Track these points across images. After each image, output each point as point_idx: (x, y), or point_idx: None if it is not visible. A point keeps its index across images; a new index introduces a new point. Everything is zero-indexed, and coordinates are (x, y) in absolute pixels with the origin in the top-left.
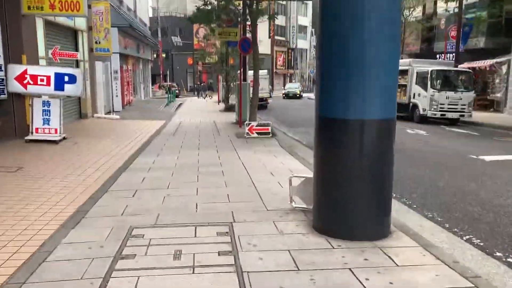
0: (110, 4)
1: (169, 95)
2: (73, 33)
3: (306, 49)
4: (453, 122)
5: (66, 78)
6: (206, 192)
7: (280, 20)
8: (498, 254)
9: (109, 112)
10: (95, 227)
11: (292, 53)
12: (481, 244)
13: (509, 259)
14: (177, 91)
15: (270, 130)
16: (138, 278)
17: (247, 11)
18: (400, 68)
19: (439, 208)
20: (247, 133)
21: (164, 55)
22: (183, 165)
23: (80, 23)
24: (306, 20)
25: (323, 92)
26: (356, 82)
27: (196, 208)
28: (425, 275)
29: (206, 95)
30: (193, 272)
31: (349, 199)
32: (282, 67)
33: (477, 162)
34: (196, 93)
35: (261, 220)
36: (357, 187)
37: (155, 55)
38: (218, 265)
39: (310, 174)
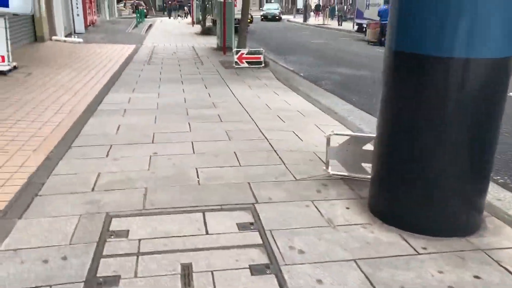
0: None
1: (137, 15)
2: None
3: None
4: None
5: None
6: (205, 148)
7: None
8: None
9: (70, 34)
10: (52, 214)
11: None
12: None
13: None
14: (145, 11)
15: (262, 59)
16: None
17: None
18: None
19: None
20: (236, 62)
21: None
22: (166, 106)
23: None
24: None
25: (407, 17)
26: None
27: (198, 176)
28: None
29: (178, 15)
30: None
31: (436, 173)
32: None
33: None
34: (167, 13)
35: (293, 198)
36: (450, 156)
37: None
38: None
39: (333, 122)
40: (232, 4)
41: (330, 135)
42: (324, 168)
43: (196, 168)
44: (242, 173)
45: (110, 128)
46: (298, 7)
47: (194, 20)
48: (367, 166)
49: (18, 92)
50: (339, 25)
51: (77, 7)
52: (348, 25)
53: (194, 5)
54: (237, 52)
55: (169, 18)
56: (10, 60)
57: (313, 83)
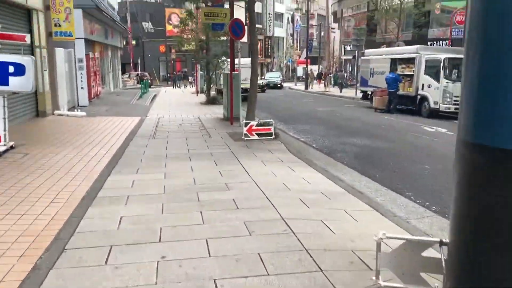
0: None
1: (142, 86)
2: (26, 13)
3: (283, 37)
4: None
5: (11, 69)
6: (223, 248)
7: (257, 7)
8: None
9: (73, 108)
10: None
11: (269, 41)
12: None
13: None
14: (149, 81)
15: (272, 131)
16: None
17: None
18: (405, 56)
19: None
20: (246, 134)
21: (134, 42)
22: (174, 189)
23: (33, 0)
24: (282, 7)
25: (493, 103)
26: None
27: None
28: None
29: (182, 85)
30: None
31: None
32: (259, 56)
33: None
34: (172, 83)
35: None
36: None
37: (124, 42)
38: None
39: (363, 206)
40: (238, 75)
41: (381, 238)
42: (374, 278)
43: (215, 281)
44: (274, 287)
45: (111, 222)
46: (298, 75)
47: (198, 89)
48: (429, 277)
49: (11, 178)
50: (340, 92)
51: (82, 81)
52: (349, 92)
53: (198, 75)
54: (247, 124)
55: (174, 87)
56: (7, 139)
57: (328, 156)
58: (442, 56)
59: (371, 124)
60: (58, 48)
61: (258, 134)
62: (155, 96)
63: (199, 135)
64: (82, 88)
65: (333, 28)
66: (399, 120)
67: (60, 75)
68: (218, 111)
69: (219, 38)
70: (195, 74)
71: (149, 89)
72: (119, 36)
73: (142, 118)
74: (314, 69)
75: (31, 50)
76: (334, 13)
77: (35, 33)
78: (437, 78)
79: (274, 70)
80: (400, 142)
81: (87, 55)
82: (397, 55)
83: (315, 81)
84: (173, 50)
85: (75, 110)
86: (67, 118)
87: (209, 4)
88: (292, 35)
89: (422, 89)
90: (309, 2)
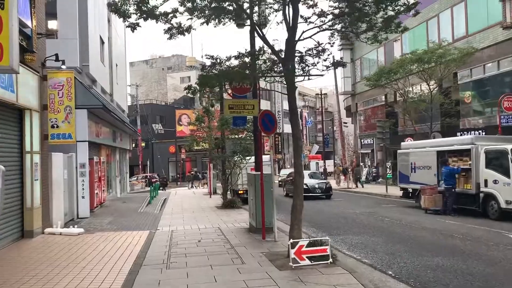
0: (77, 78)
1: (151, 189)
2: (17, 113)
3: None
4: None
5: None
6: None
7: (264, 105)
8: None
9: (71, 221)
10: None
11: (279, 138)
12: None
13: None
14: (158, 183)
15: (329, 252)
16: None
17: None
18: (455, 147)
19: None
20: (294, 259)
21: (143, 144)
22: None
23: (26, 97)
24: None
25: None
26: None
27: None
28: None
29: (192, 186)
30: None
31: None
32: (269, 152)
33: None
34: (190, 183)
35: None
36: None
37: (133, 145)
38: None
39: None
40: (271, 176)
41: None
42: None
43: None
44: None
45: None
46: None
47: (211, 190)
48: None
49: None
50: (356, 186)
51: (83, 189)
52: (373, 188)
53: (211, 175)
54: (294, 244)
55: (190, 188)
56: None
57: None
58: (509, 146)
59: (439, 232)
60: (56, 153)
61: (309, 258)
62: (165, 200)
63: (227, 259)
64: (83, 197)
65: (346, 123)
66: (466, 225)
67: (56, 184)
68: (240, 217)
69: (236, 136)
70: (206, 173)
71: (159, 191)
72: (128, 138)
73: (151, 232)
74: (328, 163)
75: (20, 156)
76: (348, 108)
77: (26, 137)
78: (505, 173)
79: (288, 166)
80: (504, 261)
81: (91, 159)
82: (446, 147)
83: (342, 177)
84: (183, 151)
85: (71, 226)
86: (59, 238)
87: (230, 94)
88: (301, 131)
89: (486, 185)
90: (323, 99)
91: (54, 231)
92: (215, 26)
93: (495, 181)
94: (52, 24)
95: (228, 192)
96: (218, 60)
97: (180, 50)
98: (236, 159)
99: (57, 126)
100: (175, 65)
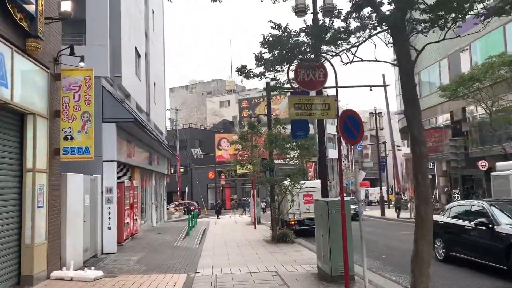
0: (105, 88)
1: (190, 219)
2: (17, 118)
3: (337, 159)
4: None
5: None
6: None
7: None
8: None
9: (93, 257)
10: None
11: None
12: None
13: None
14: (197, 211)
15: None
16: None
17: None
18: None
19: None
20: None
21: (182, 170)
22: None
23: (29, 98)
24: (333, 128)
25: None
26: None
27: None
28: None
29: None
30: None
31: None
32: (313, 178)
33: None
34: (243, 210)
35: None
36: None
37: (172, 170)
38: None
39: None
40: (349, 205)
41: None
42: None
43: None
44: None
45: None
46: (367, 198)
47: (256, 219)
48: None
49: None
50: (397, 216)
51: (109, 218)
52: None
53: (255, 203)
54: None
55: (240, 215)
56: None
57: None
58: None
59: None
60: (74, 174)
61: None
62: (205, 230)
63: None
64: (109, 228)
65: (399, 146)
66: None
67: (73, 212)
68: (299, 257)
69: (287, 155)
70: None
71: (197, 220)
72: (166, 162)
73: (189, 276)
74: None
75: (19, 175)
76: (403, 129)
77: (28, 150)
78: None
79: (335, 193)
80: None
81: (120, 183)
82: None
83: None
84: (222, 176)
85: (85, 269)
86: (69, 285)
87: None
88: (346, 156)
89: None
90: (377, 118)
91: (64, 275)
92: None
93: None
94: (66, 6)
95: (280, 225)
96: (286, 32)
97: (219, 74)
98: (287, 183)
99: (72, 138)
100: (214, 89)
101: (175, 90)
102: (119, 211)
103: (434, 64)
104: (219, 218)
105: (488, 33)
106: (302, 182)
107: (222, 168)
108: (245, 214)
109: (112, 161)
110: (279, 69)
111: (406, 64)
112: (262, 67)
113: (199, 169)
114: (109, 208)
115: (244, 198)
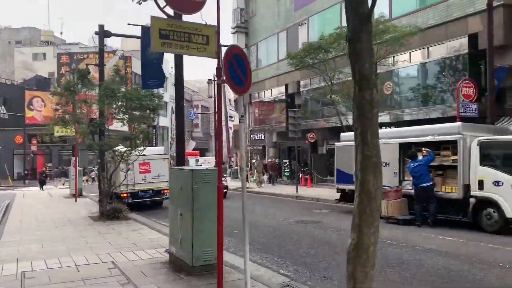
0: None
1: None
2: None
3: (168, 127)
4: None
5: None
6: None
7: None
8: None
9: None
10: None
11: (154, 130)
12: None
13: None
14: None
15: None
16: None
17: None
18: (434, 138)
19: None
20: None
21: None
22: None
23: None
24: (166, 95)
25: None
26: None
27: None
28: None
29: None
30: None
31: None
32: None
33: None
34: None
35: None
36: None
37: None
38: None
39: None
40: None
41: None
42: None
43: None
44: None
45: None
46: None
47: (77, 192)
48: None
49: None
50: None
51: None
52: (275, 189)
53: (77, 172)
54: None
55: (57, 186)
56: None
57: None
58: None
59: (446, 255)
60: None
61: None
62: (8, 206)
63: None
64: None
65: (232, 117)
66: (469, 242)
67: None
68: (137, 238)
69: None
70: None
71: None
72: None
73: None
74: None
75: None
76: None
77: None
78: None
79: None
80: None
81: None
82: (416, 138)
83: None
84: (34, 141)
85: None
86: None
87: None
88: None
89: (481, 188)
90: (214, 84)
91: None
92: None
93: (496, 183)
94: None
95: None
96: None
97: (33, 22)
98: (123, 149)
99: None
100: (26, 38)
101: None
102: None
103: (272, 36)
104: (43, 190)
105: (324, 9)
106: (141, 148)
107: (34, 131)
108: (63, 185)
109: None
110: None
111: None
112: None
113: (2, 131)
114: None
115: (64, 167)
